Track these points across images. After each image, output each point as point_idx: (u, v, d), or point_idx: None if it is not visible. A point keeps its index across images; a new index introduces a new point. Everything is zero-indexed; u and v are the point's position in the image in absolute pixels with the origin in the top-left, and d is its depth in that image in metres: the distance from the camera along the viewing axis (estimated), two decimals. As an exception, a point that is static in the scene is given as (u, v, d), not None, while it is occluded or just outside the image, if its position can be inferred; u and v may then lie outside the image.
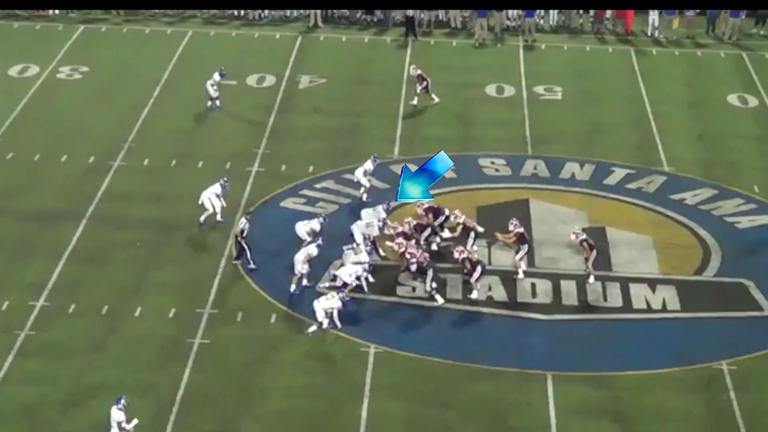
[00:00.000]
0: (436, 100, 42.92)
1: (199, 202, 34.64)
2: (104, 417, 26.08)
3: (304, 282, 31.84)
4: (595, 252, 32.41)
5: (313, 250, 31.85)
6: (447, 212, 33.96)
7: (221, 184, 34.85)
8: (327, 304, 30.11)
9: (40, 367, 28.83)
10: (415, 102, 42.71)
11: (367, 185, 36.12)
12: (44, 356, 29.24)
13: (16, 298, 31.43)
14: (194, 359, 29.28)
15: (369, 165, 36.25)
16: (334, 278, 31.75)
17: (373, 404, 27.93)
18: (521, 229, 32.84)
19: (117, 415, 25.65)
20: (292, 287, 31.72)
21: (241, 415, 27.50)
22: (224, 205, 34.78)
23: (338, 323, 30.23)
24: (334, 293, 30.42)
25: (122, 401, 25.76)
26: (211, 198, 34.67)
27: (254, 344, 29.92)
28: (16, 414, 27.27)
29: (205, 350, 29.63)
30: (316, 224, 33.13)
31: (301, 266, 31.65)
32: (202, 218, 34.65)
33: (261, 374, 28.87)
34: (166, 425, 27.05)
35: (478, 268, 31.66)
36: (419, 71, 42.75)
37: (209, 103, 42.16)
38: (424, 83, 42.55)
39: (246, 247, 32.73)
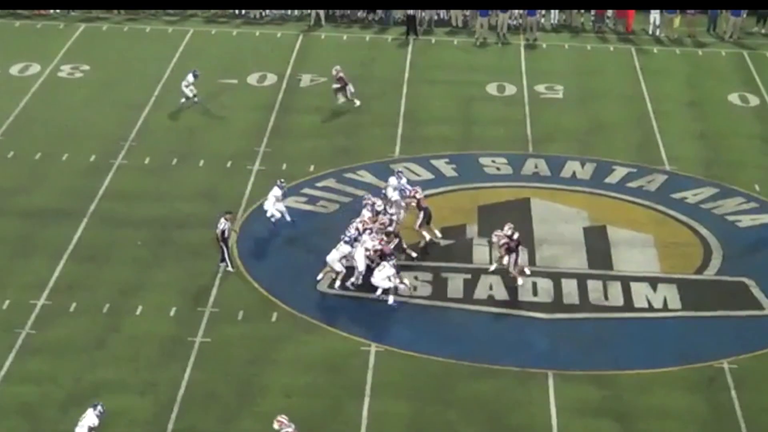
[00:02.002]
0: (341, 100, 42.11)
1: (268, 215, 34.20)
2: (104, 416, 26.05)
3: (339, 281, 31.80)
4: (514, 255, 31.86)
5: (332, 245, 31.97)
6: (431, 214, 33.72)
7: (279, 186, 34.55)
8: (384, 273, 30.75)
9: (41, 365, 28.83)
10: (349, 101, 42.08)
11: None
12: (45, 355, 29.24)
13: (17, 296, 31.43)
14: (195, 358, 29.28)
15: (394, 181, 34.84)
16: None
17: (373, 403, 27.93)
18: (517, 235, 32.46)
19: (92, 419, 25.45)
20: (337, 284, 31.75)
21: (242, 413, 27.50)
22: (284, 210, 34.43)
23: (401, 285, 30.95)
24: (384, 263, 30.97)
25: (99, 407, 25.63)
26: (275, 205, 34.26)
27: (255, 343, 29.91)
28: (17, 413, 27.26)
29: (206, 349, 29.64)
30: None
31: (339, 266, 31.62)
32: (273, 218, 34.41)
33: (262, 373, 28.88)
34: (167, 424, 27.05)
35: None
36: (341, 74, 42.10)
37: (183, 100, 41.83)
38: (344, 88, 41.90)
39: (224, 247, 32.62)
